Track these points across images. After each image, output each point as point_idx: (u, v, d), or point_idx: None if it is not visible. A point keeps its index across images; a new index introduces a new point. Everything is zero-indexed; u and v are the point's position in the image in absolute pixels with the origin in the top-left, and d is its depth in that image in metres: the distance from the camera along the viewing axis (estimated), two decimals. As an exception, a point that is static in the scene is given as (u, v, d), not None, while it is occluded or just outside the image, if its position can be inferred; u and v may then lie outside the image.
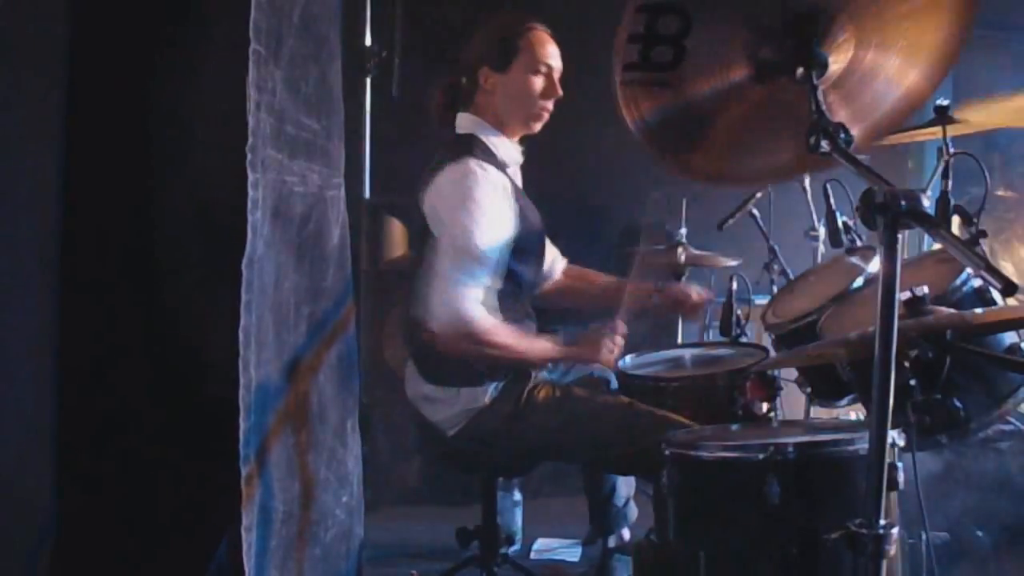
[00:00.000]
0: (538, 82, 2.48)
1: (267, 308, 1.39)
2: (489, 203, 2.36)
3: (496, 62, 2.48)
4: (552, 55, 2.51)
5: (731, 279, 3.07)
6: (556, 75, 2.51)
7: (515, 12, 2.58)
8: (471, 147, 2.45)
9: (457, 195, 2.36)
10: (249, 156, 1.32)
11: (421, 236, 2.44)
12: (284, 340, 1.45)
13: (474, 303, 2.32)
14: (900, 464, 1.61)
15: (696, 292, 2.84)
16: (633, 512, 2.87)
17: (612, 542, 2.86)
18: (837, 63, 1.48)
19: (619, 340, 2.49)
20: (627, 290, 2.66)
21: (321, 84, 1.50)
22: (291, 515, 1.47)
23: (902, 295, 1.80)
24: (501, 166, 2.46)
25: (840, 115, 1.54)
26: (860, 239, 2.66)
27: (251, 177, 1.32)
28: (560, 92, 2.52)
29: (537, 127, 2.56)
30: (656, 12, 1.40)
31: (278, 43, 1.38)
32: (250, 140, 1.32)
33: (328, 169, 1.52)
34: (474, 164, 2.39)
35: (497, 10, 2.67)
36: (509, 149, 2.53)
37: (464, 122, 2.54)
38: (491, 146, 2.48)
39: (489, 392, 2.40)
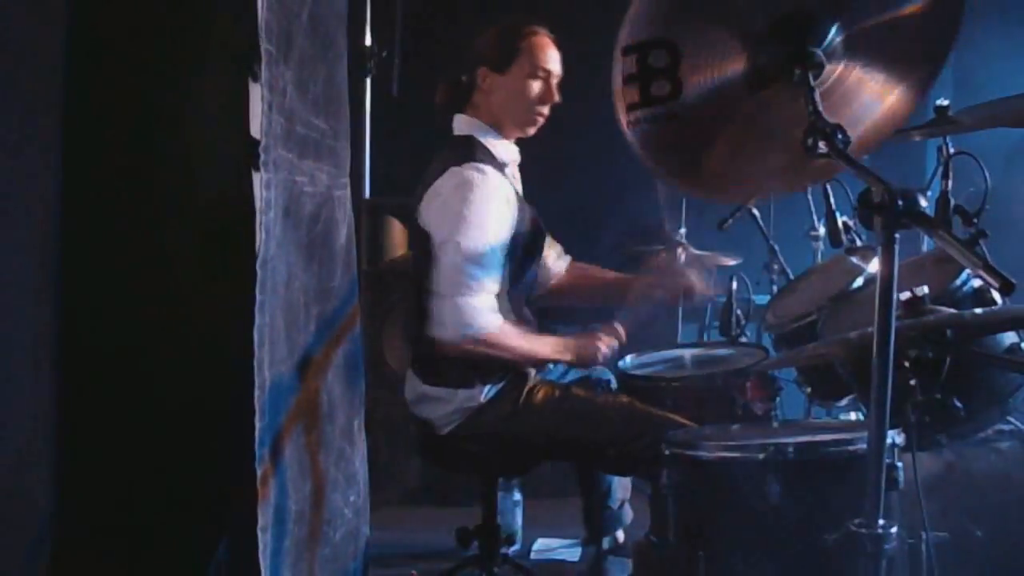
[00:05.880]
0: (535, 86, 2.47)
1: (279, 308, 1.39)
2: (488, 209, 2.36)
3: (495, 63, 2.48)
4: (552, 60, 2.50)
5: (731, 279, 3.07)
6: (555, 80, 2.51)
7: (518, 15, 2.57)
8: (470, 149, 2.45)
9: (456, 203, 2.35)
10: (262, 156, 1.32)
11: (420, 245, 2.44)
12: (295, 340, 1.45)
13: (481, 311, 2.33)
14: (900, 464, 1.62)
15: (697, 279, 2.75)
16: (628, 515, 2.86)
17: (607, 544, 2.85)
18: (826, 75, 1.48)
19: (614, 342, 2.50)
20: (635, 285, 2.66)
21: (329, 84, 1.51)
22: (303, 515, 1.47)
23: (902, 295, 1.81)
24: (500, 167, 2.46)
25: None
26: (860, 239, 2.66)
27: (264, 177, 1.32)
28: (557, 98, 2.51)
29: (531, 131, 2.56)
30: (644, 49, 1.41)
31: (288, 43, 1.38)
32: (262, 141, 1.32)
33: (336, 169, 1.53)
34: (471, 170, 2.39)
35: (498, 11, 2.66)
36: (507, 148, 2.53)
37: (461, 124, 2.53)
38: (489, 147, 2.48)
39: (485, 391, 2.41)
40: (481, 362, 2.38)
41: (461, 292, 2.32)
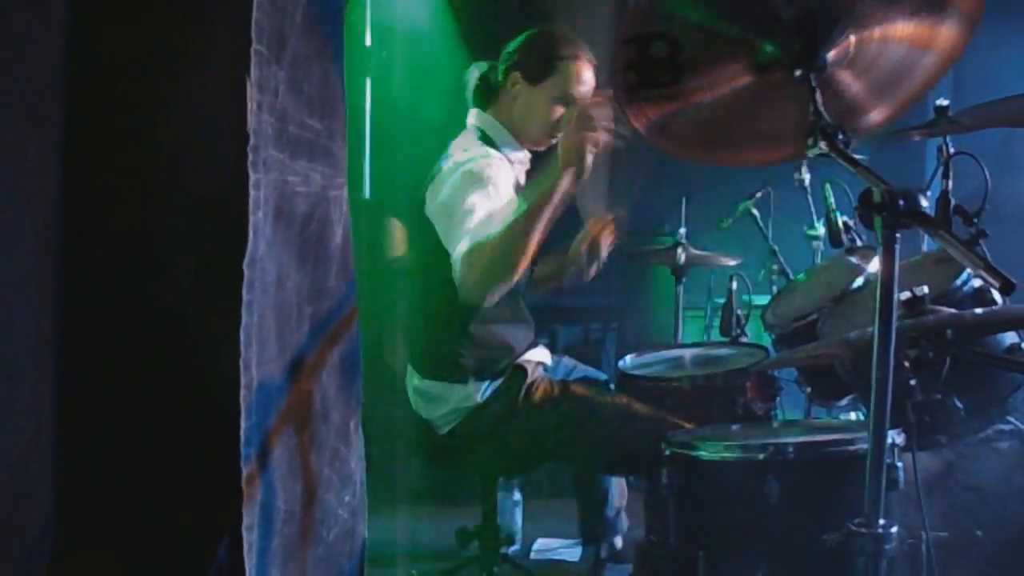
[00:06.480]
0: (558, 111, 2.45)
1: (269, 308, 1.39)
2: (494, 175, 2.32)
3: (529, 73, 2.45)
4: (584, 89, 2.45)
5: (731, 279, 3.08)
6: None
7: (567, 34, 2.50)
8: (481, 142, 2.46)
9: (464, 174, 2.31)
10: (251, 156, 1.31)
11: (426, 238, 2.43)
12: (286, 340, 1.45)
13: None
14: (900, 464, 1.62)
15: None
16: (624, 522, 2.86)
17: (604, 552, 2.85)
18: (844, 50, 1.46)
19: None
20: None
21: (324, 84, 1.50)
22: (293, 515, 1.47)
23: (902, 295, 1.81)
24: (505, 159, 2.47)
25: (856, 91, 1.54)
26: (860, 239, 2.66)
27: (253, 177, 1.32)
28: None
29: (541, 148, 2.53)
30: (645, 40, 1.41)
31: (280, 43, 1.38)
32: (251, 140, 1.32)
33: (331, 169, 1.52)
34: (478, 148, 2.40)
35: (507, 12, 2.66)
36: (516, 151, 2.52)
37: (475, 119, 2.53)
38: (498, 145, 2.48)
39: (482, 390, 2.41)
40: (508, 264, 2.19)
41: (468, 236, 2.20)
